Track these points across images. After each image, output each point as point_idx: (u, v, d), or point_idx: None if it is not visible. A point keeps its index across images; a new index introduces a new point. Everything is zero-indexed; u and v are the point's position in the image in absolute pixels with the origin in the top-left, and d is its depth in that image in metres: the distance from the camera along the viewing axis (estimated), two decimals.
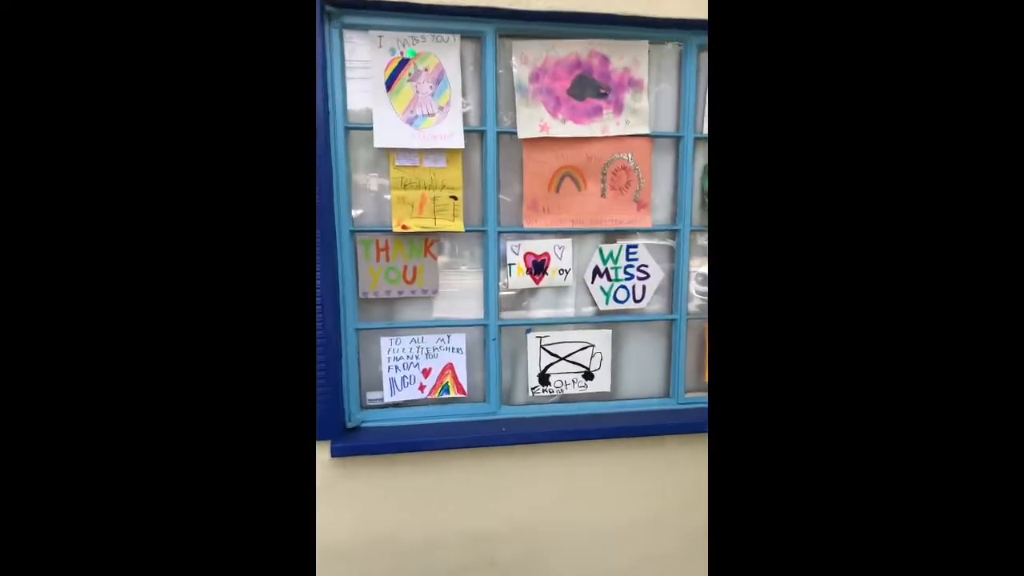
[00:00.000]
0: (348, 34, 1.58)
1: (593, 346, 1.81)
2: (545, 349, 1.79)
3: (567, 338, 1.80)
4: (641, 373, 1.89)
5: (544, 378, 1.81)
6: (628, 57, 1.69)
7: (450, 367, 1.75)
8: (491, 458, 1.71)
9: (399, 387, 1.73)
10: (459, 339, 1.74)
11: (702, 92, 1.77)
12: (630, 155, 1.73)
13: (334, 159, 1.57)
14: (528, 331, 1.78)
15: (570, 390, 1.83)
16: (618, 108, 1.71)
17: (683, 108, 1.77)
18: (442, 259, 1.72)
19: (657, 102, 1.77)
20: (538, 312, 1.81)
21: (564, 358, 1.80)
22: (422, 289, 1.70)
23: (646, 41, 1.69)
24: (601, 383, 1.84)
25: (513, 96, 1.66)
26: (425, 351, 1.73)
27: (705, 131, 1.77)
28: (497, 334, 1.75)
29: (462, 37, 1.62)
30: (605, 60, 1.68)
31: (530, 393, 1.81)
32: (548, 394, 1.82)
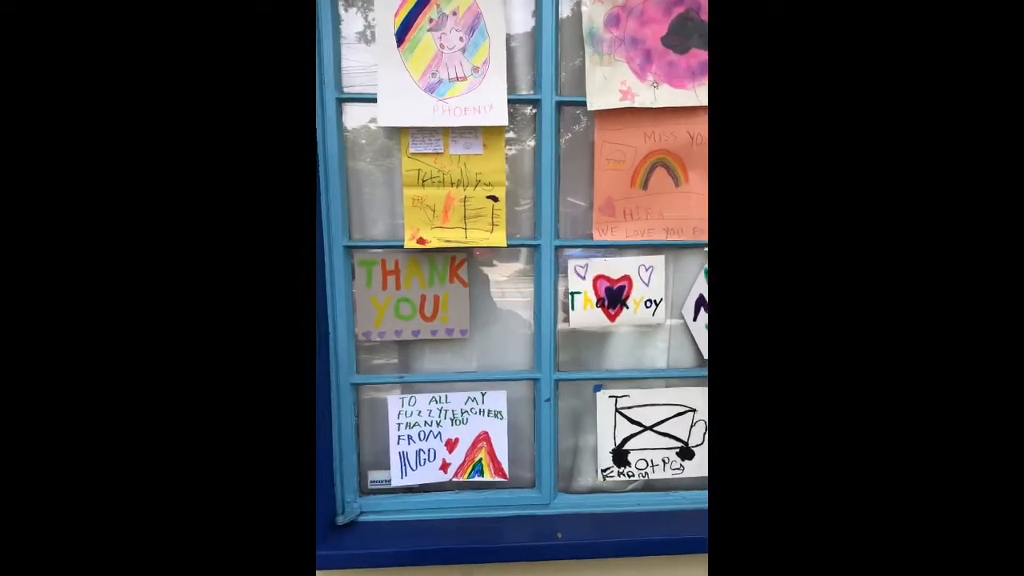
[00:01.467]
0: None
1: (694, 411, 1.37)
2: (623, 414, 1.36)
3: (655, 399, 1.37)
4: None
5: (621, 456, 1.37)
6: None
7: (485, 438, 1.34)
8: (541, 574, 1.25)
9: (413, 465, 1.32)
10: (498, 399, 1.32)
11: None
12: None
13: (322, 143, 1.19)
14: (598, 388, 1.36)
15: (659, 474, 1.38)
16: None
17: None
18: (475, 286, 1.31)
19: None
20: (613, 362, 1.38)
21: (651, 428, 1.37)
22: (447, 328, 1.30)
23: None
24: (704, 464, 1.38)
25: (582, 50, 1.21)
26: (450, 415, 1.32)
27: None
28: (553, 392, 1.32)
29: None
30: None
31: (600, 477, 1.38)
32: (627, 479, 1.38)
